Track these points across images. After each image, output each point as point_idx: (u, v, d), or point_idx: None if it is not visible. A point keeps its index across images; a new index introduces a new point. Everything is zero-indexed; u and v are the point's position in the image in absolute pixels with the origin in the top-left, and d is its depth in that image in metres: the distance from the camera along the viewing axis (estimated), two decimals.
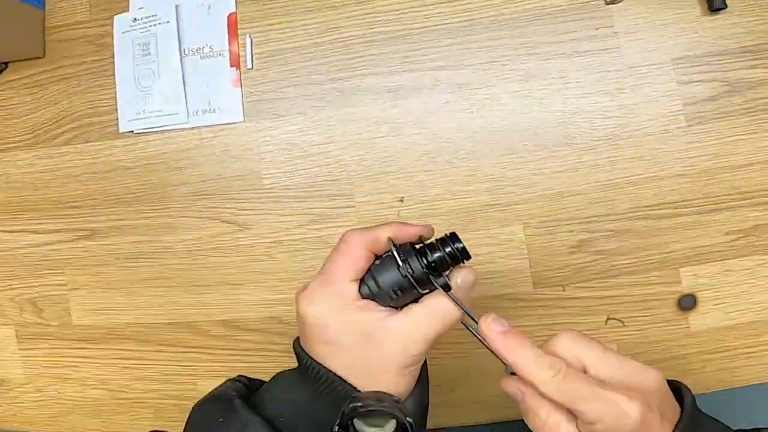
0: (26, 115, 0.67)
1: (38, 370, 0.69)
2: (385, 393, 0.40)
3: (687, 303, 0.59)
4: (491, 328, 0.38)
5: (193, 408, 0.44)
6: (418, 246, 0.42)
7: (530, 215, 0.60)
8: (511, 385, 0.38)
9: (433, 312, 0.40)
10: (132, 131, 0.65)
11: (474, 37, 0.61)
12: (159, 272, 0.65)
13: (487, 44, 0.61)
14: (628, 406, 0.34)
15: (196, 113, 0.63)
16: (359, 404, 0.38)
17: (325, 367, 0.40)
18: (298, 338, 0.44)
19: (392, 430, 0.39)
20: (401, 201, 0.61)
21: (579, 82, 0.59)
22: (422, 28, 0.62)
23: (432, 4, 0.62)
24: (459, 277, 0.41)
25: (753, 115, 0.57)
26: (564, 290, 0.60)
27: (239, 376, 0.47)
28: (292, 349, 0.43)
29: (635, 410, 0.34)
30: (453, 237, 0.42)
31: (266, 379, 0.46)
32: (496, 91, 0.60)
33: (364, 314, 0.40)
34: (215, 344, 0.64)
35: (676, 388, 0.39)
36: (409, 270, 0.41)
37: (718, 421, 0.39)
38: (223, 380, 0.63)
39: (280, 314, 0.63)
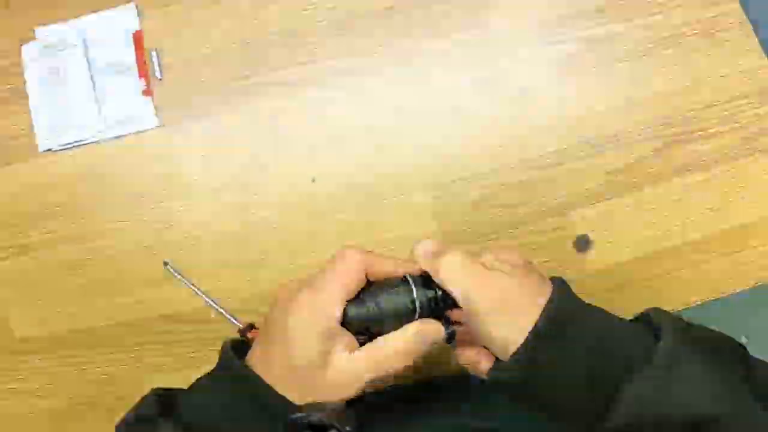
0: None
1: None
2: (323, 405, 0.41)
3: (582, 244, 0.66)
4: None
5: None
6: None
7: (433, 178, 0.67)
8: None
9: (379, 357, 0.43)
10: (51, 149, 0.69)
11: (362, 24, 0.69)
12: (95, 277, 0.69)
13: (373, 32, 0.68)
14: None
15: (112, 125, 0.68)
16: (301, 417, 0.40)
17: (268, 386, 0.42)
18: (231, 340, 0.47)
19: None
20: (314, 181, 0.67)
21: (459, 54, 0.68)
22: (317, 22, 0.70)
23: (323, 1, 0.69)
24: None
25: (609, 67, 0.67)
26: (474, 245, 0.66)
27: (155, 389, 0.48)
28: (222, 349, 0.46)
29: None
30: None
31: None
32: (387, 73, 0.69)
33: (331, 342, 0.42)
34: (157, 340, 0.68)
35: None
36: (420, 300, 0.44)
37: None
38: (170, 375, 0.66)
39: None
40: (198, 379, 0.47)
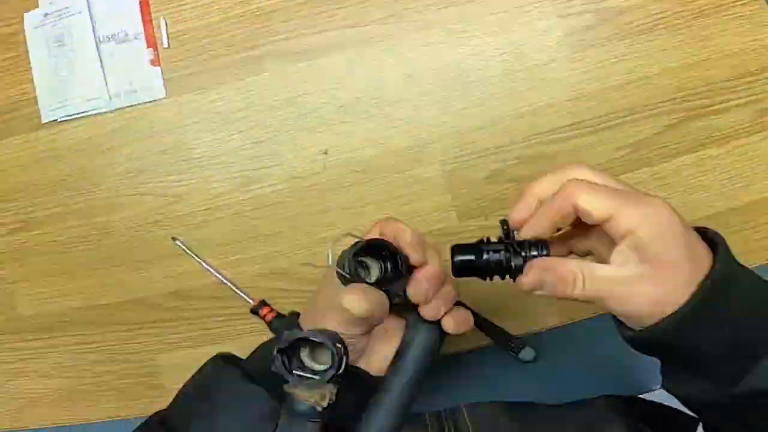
0: None
1: None
2: (326, 330, 0.43)
3: None
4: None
5: None
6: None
7: (444, 152, 0.67)
8: (530, 275, 0.40)
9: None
10: (56, 120, 0.68)
11: None
12: (101, 253, 0.69)
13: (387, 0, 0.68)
14: (661, 203, 0.38)
15: (119, 95, 0.68)
16: (294, 332, 0.42)
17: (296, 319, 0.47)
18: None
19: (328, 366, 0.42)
20: (326, 153, 0.67)
21: (472, 25, 0.67)
22: None
23: None
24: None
25: (623, 40, 0.67)
26: (486, 219, 0.67)
27: (218, 353, 0.52)
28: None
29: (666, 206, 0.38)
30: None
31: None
32: (399, 42, 0.68)
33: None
34: (167, 317, 0.69)
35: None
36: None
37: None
38: (180, 352, 0.67)
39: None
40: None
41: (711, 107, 0.67)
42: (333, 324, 0.45)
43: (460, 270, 0.44)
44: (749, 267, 0.60)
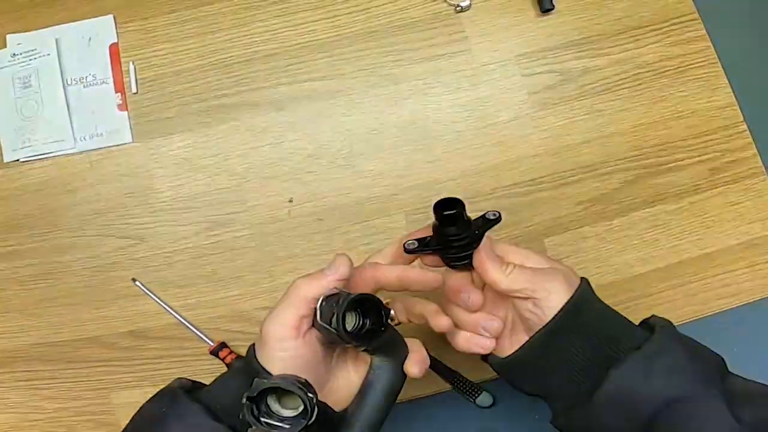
0: None
1: None
2: (295, 376, 0.43)
3: None
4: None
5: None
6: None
7: (408, 203, 0.68)
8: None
9: None
10: (18, 160, 0.67)
11: (343, 49, 0.69)
12: (58, 291, 0.69)
13: (356, 54, 0.69)
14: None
15: (83, 138, 0.67)
16: (264, 380, 0.42)
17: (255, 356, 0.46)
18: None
19: (300, 411, 0.42)
20: (290, 201, 0.67)
21: (439, 81, 0.69)
22: (296, 44, 0.70)
23: (303, 24, 0.70)
24: None
25: (585, 99, 0.69)
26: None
27: (178, 378, 0.52)
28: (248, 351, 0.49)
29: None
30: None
31: None
32: (367, 95, 0.70)
33: None
34: (123, 356, 0.68)
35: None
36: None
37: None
38: (135, 391, 0.66)
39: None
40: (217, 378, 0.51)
41: (666, 165, 0.69)
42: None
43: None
44: (697, 318, 0.68)
